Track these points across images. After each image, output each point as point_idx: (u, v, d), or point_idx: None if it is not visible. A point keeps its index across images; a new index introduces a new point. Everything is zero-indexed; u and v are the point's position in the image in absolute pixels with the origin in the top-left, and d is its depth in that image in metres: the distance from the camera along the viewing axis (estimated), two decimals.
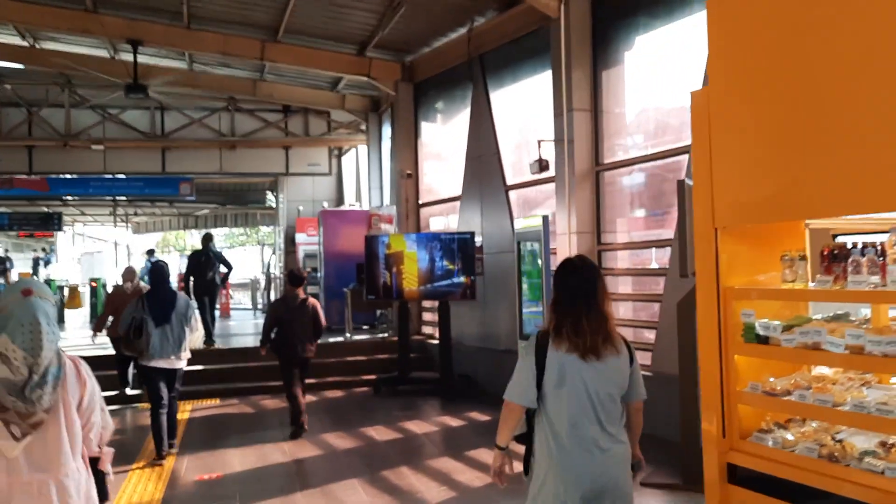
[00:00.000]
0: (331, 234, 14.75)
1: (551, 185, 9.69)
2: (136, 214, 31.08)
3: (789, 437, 3.87)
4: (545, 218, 8.59)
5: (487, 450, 7.14)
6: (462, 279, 10.58)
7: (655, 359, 7.81)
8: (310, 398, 10.58)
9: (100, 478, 3.10)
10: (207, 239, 13.01)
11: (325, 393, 10.96)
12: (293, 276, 8.55)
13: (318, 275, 16.53)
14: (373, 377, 11.31)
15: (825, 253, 3.66)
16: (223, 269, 12.72)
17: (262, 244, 29.62)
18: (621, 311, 8.78)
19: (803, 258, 3.80)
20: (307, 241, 19.95)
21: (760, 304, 4.09)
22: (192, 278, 12.35)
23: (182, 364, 7.39)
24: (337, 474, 6.79)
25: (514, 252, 10.21)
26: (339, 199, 20.25)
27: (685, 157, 7.53)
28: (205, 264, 12.38)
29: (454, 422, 8.89)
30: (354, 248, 14.33)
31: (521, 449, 3.34)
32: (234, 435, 8.46)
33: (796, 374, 4.35)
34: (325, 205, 20.48)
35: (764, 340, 3.92)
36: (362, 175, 18.47)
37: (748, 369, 4.13)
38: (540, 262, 8.56)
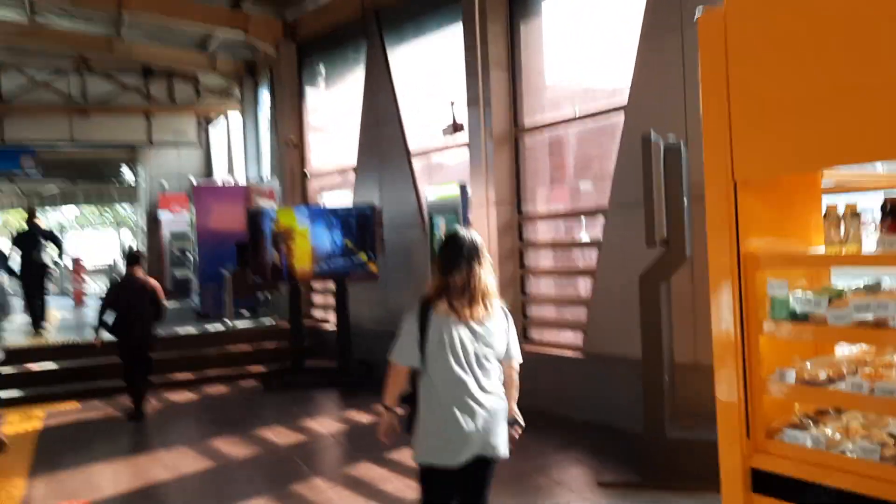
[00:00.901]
0: (205, 211, 13.22)
1: (462, 152, 8.83)
2: None
3: (833, 434, 3.18)
4: (463, 187, 7.74)
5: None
6: (362, 257, 9.57)
7: (589, 339, 7.14)
8: (188, 396, 9.31)
9: None
10: (31, 215, 11.57)
11: (206, 389, 9.65)
12: (130, 256, 8.32)
13: (190, 257, 14.96)
14: (261, 369, 10.12)
15: (888, 208, 2.96)
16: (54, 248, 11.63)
17: (119, 225, 27.04)
18: (542, 287, 8.08)
19: (856, 215, 3.10)
20: (173, 220, 18.19)
21: (775, 274, 3.41)
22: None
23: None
24: (237, 492, 5.66)
25: (422, 226, 9.32)
26: (209, 174, 18.55)
27: (618, 116, 6.85)
28: (31, 245, 11.07)
29: (362, 416, 7.89)
30: (232, 227, 12.99)
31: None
32: (101, 446, 7.09)
33: (822, 356, 3.71)
34: (193, 179, 18.73)
35: (802, 318, 3.21)
36: (236, 146, 16.93)
37: (768, 352, 3.43)
38: None
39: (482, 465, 3.36)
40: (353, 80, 11.01)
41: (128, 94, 15.23)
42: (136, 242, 21.11)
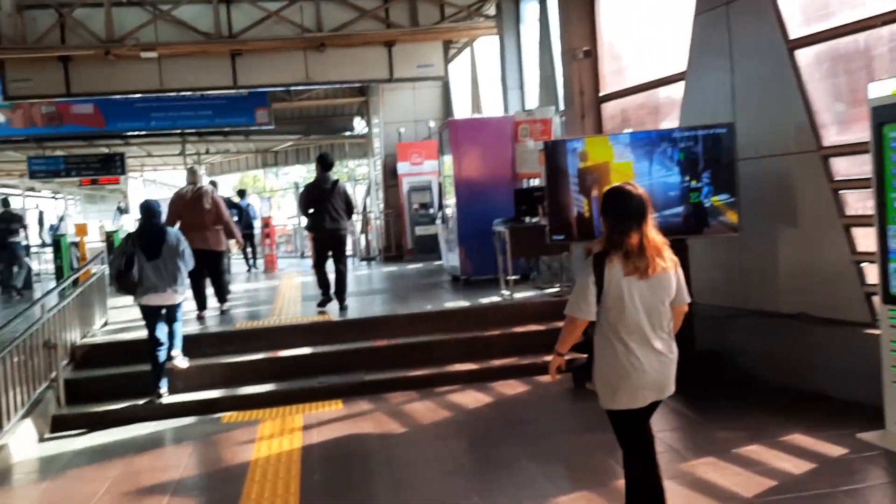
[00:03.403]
0: (464, 153, 10.73)
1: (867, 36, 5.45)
2: (207, 153, 27.67)
3: None
4: None
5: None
6: (714, 202, 6.55)
7: None
8: (480, 397, 6.85)
9: None
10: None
11: (494, 386, 7.12)
12: (325, 161, 8.86)
13: (441, 212, 12.70)
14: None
15: None
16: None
17: (353, 180, 25.83)
18: None
19: None
20: (412, 171, 16.15)
21: None
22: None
23: (179, 299, 7.05)
24: None
25: (817, 150, 6.12)
26: (448, 115, 16.24)
27: None
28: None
29: (819, 447, 4.90)
30: (497, 172, 10.50)
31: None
32: (381, 479, 4.75)
33: None
34: (432, 124, 16.54)
35: None
36: (485, 79, 14.40)
37: None
38: None
39: (654, 406, 3.56)
40: None
41: (366, 20, 12.96)
42: (372, 200, 19.45)
